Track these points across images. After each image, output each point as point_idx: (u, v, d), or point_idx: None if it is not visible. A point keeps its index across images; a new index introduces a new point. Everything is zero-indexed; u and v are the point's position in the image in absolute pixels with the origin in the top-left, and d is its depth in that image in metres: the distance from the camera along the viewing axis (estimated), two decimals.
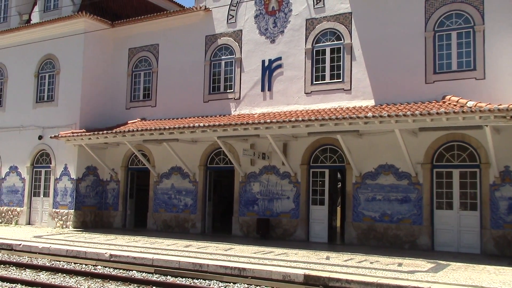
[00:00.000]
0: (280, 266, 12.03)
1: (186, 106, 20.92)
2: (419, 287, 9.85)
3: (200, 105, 20.72)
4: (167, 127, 18.46)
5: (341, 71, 18.11)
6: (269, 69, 19.38)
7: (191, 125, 17.95)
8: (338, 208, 22.25)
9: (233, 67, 20.30)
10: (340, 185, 22.40)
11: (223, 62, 20.59)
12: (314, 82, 18.53)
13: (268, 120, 16.45)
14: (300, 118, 15.99)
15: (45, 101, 23.40)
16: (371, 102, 17.36)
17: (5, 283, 11.11)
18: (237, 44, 20.20)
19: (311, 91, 18.52)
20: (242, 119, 17.96)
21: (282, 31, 19.31)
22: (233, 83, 20.24)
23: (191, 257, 13.32)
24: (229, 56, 20.43)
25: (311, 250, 15.26)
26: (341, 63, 18.13)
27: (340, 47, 18.19)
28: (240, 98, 19.93)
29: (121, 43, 23.24)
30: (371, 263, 12.84)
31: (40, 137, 23.04)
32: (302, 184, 18.21)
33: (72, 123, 22.04)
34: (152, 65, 22.28)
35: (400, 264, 12.66)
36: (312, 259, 13.34)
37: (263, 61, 19.54)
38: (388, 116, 14.49)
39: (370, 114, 14.93)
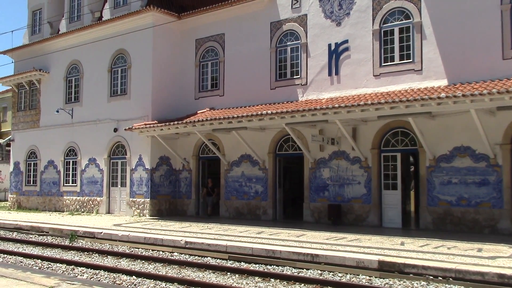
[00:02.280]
0: (353, 252, 11.90)
1: (254, 94, 21.02)
2: (501, 273, 9.43)
3: (267, 92, 20.75)
4: (235, 115, 18.65)
5: (411, 51, 17.51)
6: (336, 53, 19.07)
7: (259, 112, 18.02)
8: (412, 193, 21.67)
9: (299, 53, 20.14)
10: (413, 168, 21.78)
11: (288, 48, 20.48)
12: (383, 64, 18.04)
13: (336, 105, 16.23)
14: (369, 102, 15.65)
15: (119, 94, 24.29)
16: (443, 82, 16.68)
17: (89, 269, 11.72)
18: (302, 29, 20.01)
19: (380, 73, 18.06)
20: (310, 105, 17.82)
21: (348, 13, 18.91)
22: (299, 68, 20.10)
23: (264, 243, 13.46)
24: (295, 42, 20.28)
25: (384, 235, 14.99)
26: (411, 42, 17.52)
27: (409, 26, 17.57)
28: (307, 84, 19.77)
29: (188, 34, 23.66)
30: (449, 248, 12.43)
31: (115, 130, 23.99)
32: (373, 168, 17.87)
33: (144, 115, 22.76)
34: (219, 54, 22.53)
35: (479, 250, 12.17)
36: (386, 245, 13.10)
37: (329, 45, 19.24)
38: (463, 95, 13.88)
39: (443, 94, 14.37)
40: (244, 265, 12.20)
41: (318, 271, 11.31)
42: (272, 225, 18.35)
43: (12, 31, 40.14)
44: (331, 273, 11.08)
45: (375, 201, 17.77)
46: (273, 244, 13.27)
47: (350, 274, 10.93)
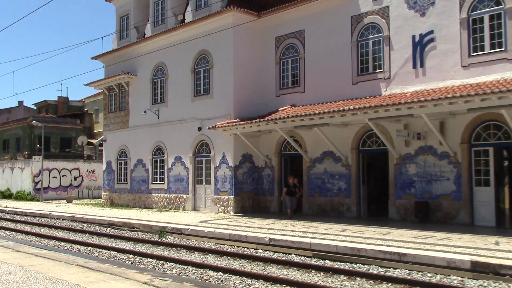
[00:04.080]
0: (443, 251, 11.43)
1: (335, 90, 20.77)
2: None
3: (348, 87, 20.43)
4: (317, 112, 18.53)
5: (503, 39, 16.51)
6: (420, 44, 18.39)
7: (341, 108, 17.79)
8: (506, 189, 20.44)
9: (381, 46, 19.63)
10: (506, 163, 20.55)
11: (370, 42, 20.02)
12: (472, 54, 17.16)
13: (422, 98, 15.65)
14: (457, 94, 14.95)
15: (202, 94, 24.91)
16: None
17: (177, 264, 12.11)
18: (384, 21, 19.48)
19: (469, 64, 17.19)
20: (394, 99, 17.33)
21: (433, 3, 18.16)
22: (382, 62, 19.60)
23: (348, 241, 13.26)
24: (377, 35, 19.78)
25: (477, 234, 14.27)
26: (503, 30, 16.51)
27: (501, 13, 16.57)
28: (390, 78, 19.24)
29: (268, 32, 23.80)
30: None
31: (199, 129, 24.63)
32: (463, 164, 17.07)
33: (227, 114, 23.18)
34: (299, 51, 22.46)
35: None
36: (479, 244, 12.46)
37: (413, 37, 18.59)
38: None
39: None
40: (328, 263, 12.10)
41: (406, 270, 10.97)
42: (356, 222, 18.06)
43: (102, 37, 42.54)
44: (420, 273, 10.71)
45: (465, 198, 16.96)
46: (358, 242, 13.05)
47: (440, 274, 10.51)
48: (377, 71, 19.71)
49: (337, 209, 20.62)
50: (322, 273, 10.92)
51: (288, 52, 23.04)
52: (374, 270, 11.17)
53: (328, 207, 20.92)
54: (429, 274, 10.55)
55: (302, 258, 12.88)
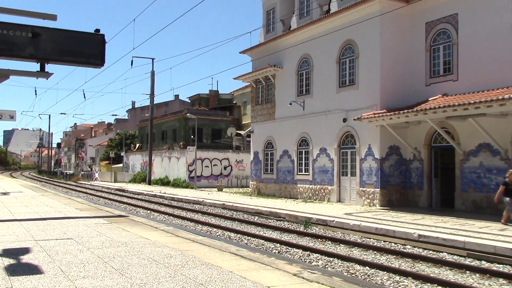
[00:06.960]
0: None
1: (493, 77, 19.14)
2: None
3: (510, 74, 18.67)
4: (472, 101, 17.27)
5: None
6: None
7: (500, 97, 16.35)
8: None
9: None
10: None
11: None
12: None
13: None
14: None
15: (347, 85, 24.60)
16: None
17: (323, 256, 12.17)
18: None
19: None
20: None
21: None
22: None
23: (509, 242, 12.20)
24: None
25: None
26: None
27: None
28: None
29: (416, 18, 22.68)
30: None
31: (344, 120, 24.40)
32: None
33: (373, 104, 22.63)
34: (452, 36, 21.08)
35: None
36: None
37: None
38: None
39: None
40: (485, 264, 11.25)
41: None
42: None
43: (250, 32, 44.11)
44: None
45: None
46: None
47: None
48: None
49: (495, 206, 19.04)
50: (477, 275, 10.20)
51: (439, 38, 21.73)
52: None
53: (484, 204, 19.42)
54: None
55: (455, 257, 12.15)
